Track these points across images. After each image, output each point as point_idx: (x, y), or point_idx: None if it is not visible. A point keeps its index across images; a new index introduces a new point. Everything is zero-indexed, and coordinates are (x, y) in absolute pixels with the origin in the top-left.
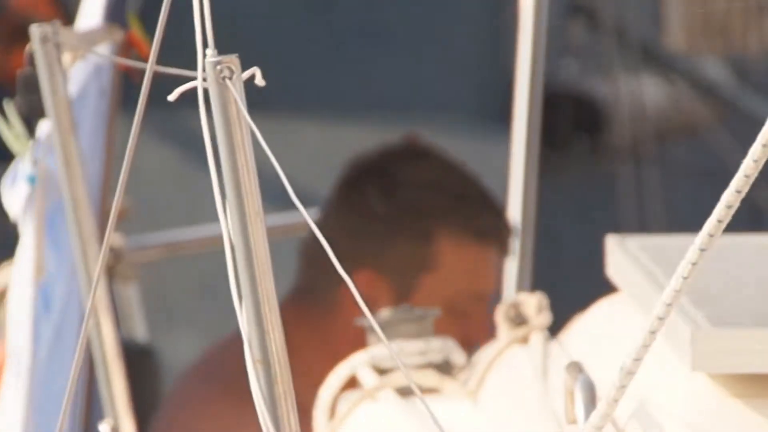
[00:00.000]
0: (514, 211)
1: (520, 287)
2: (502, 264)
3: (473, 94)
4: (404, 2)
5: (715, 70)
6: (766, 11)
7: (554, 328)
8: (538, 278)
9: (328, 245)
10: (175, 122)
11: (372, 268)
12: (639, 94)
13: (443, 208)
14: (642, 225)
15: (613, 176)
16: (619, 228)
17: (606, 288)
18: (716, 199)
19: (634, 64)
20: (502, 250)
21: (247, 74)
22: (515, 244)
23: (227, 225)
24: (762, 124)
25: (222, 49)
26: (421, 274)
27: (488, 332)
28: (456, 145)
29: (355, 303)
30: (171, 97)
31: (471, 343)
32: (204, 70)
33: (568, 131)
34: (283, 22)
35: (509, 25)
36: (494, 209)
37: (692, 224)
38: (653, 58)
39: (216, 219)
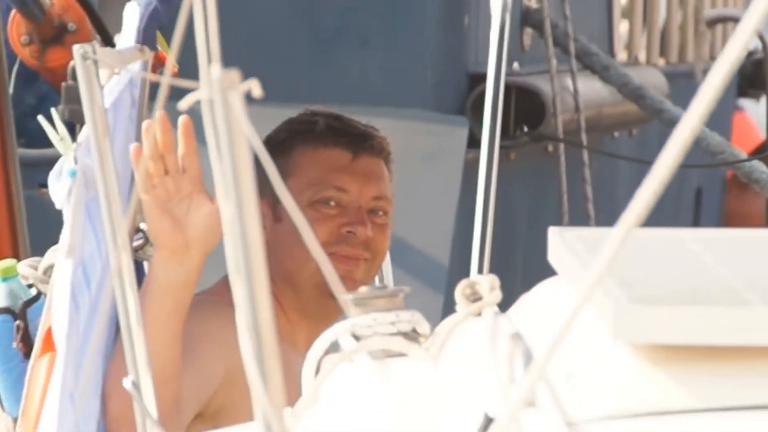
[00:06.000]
0: (478, 198)
1: (479, 269)
2: (371, 166)
3: (436, 89)
4: (378, 6)
5: (653, 77)
6: (700, 28)
7: (503, 305)
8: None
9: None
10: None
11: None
12: (575, 91)
13: (305, 125)
14: (582, 209)
15: (555, 162)
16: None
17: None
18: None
19: (573, 68)
20: (358, 153)
21: (245, 87)
22: (475, 230)
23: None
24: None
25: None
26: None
27: (356, 220)
28: (418, 136)
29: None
30: (181, 105)
31: (338, 236)
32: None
33: (513, 121)
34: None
35: (470, 30)
36: (345, 121)
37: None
38: (591, 64)
39: None
